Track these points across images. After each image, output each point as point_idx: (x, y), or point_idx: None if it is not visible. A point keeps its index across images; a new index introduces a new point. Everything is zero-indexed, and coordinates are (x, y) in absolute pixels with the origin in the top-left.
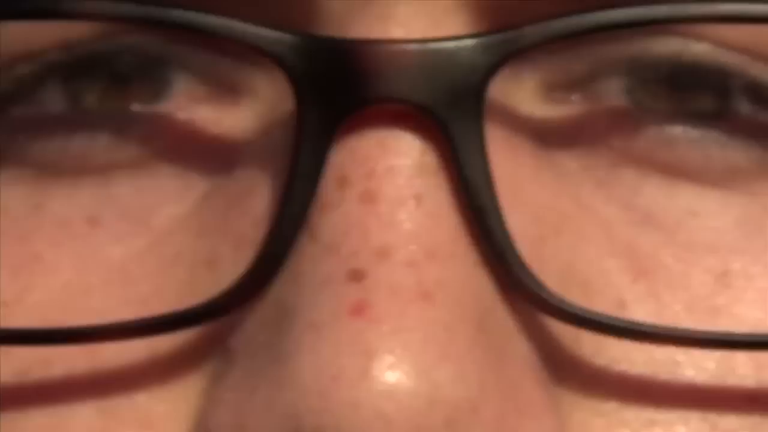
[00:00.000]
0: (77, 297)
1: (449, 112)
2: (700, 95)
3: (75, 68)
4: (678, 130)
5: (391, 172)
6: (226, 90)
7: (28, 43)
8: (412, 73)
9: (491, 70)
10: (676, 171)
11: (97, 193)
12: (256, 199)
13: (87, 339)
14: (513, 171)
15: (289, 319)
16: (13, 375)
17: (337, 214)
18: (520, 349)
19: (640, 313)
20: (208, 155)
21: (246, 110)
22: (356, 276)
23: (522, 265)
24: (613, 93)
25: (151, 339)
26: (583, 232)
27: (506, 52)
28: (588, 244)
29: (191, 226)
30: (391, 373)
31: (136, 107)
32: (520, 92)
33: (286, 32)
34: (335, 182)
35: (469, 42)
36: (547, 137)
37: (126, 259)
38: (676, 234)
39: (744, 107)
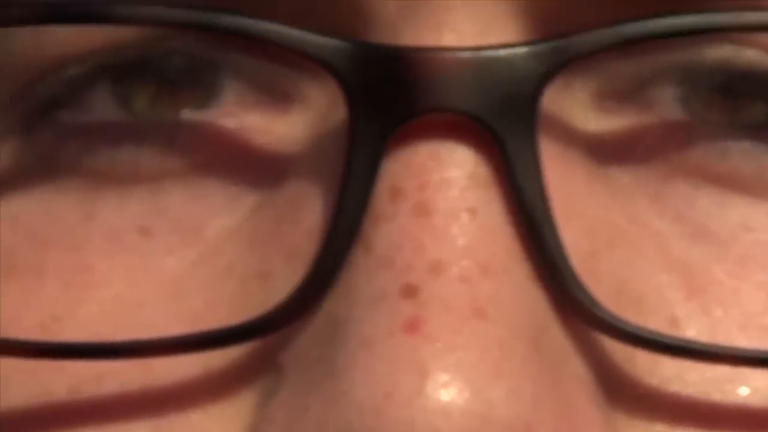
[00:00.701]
0: (129, 311)
1: (502, 122)
2: (754, 103)
3: (125, 71)
4: (731, 141)
5: (445, 184)
6: (277, 97)
7: (78, 45)
8: (465, 82)
9: (544, 79)
10: (730, 183)
11: (148, 202)
12: (307, 210)
13: (139, 354)
14: (566, 184)
15: (342, 334)
16: (66, 391)
17: (391, 227)
18: (574, 368)
19: (693, 331)
20: (259, 164)
21: (297, 118)
22: (410, 291)
23: (576, 281)
24: (667, 102)
25: (203, 354)
26: (637, 247)
27: (559, 61)
28: (641, 259)
29: (243, 237)
30: (446, 392)
31: (185, 113)
32: (573, 103)
33: (337, 39)
34: (388, 194)
35: (521, 50)
36: (600, 149)
37: (178, 271)
38: (729, 248)
39: None
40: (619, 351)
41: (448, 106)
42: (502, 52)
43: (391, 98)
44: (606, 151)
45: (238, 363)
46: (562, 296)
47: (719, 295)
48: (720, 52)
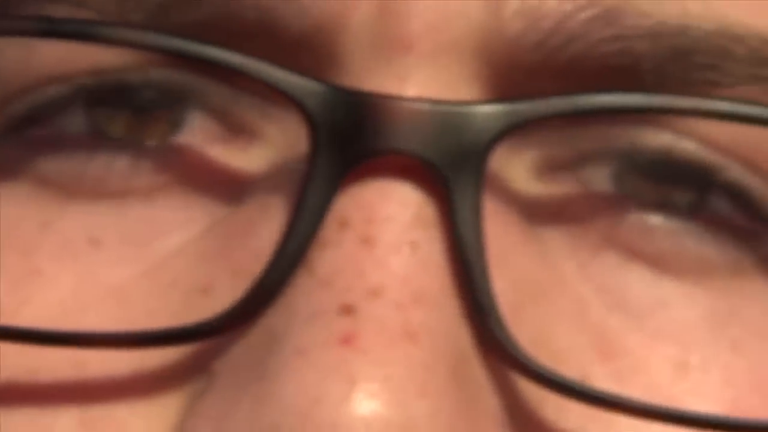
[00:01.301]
0: (72, 314)
1: (451, 170)
2: (683, 189)
3: (99, 96)
4: (658, 220)
5: (390, 220)
6: (239, 132)
7: (62, 67)
8: (423, 130)
9: (496, 137)
10: (653, 260)
11: (104, 216)
12: (257, 233)
13: (76, 343)
14: (502, 238)
15: (277, 343)
16: (2, 378)
17: (335, 253)
18: (488, 402)
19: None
20: (216, 191)
21: (256, 153)
22: (347, 310)
23: (499, 321)
24: (600, 178)
25: (136, 356)
26: (559, 307)
27: (511, 122)
28: (561, 319)
29: (191, 254)
30: (371, 402)
31: (153, 139)
32: (517, 167)
33: (309, 79)
34: (336, 224)
35: (477, 108)
36: (537, 213)
37: (124, 281)
38: (644, 321)
39: (722, 207)
40: (531, 394)
41: (403, 149)
42: (459, 108)
43: (352, 138)
44: (542, 215)
45: (170, 366)
46: (485, 334)
47: (629, 363)
48: (660, 139)
